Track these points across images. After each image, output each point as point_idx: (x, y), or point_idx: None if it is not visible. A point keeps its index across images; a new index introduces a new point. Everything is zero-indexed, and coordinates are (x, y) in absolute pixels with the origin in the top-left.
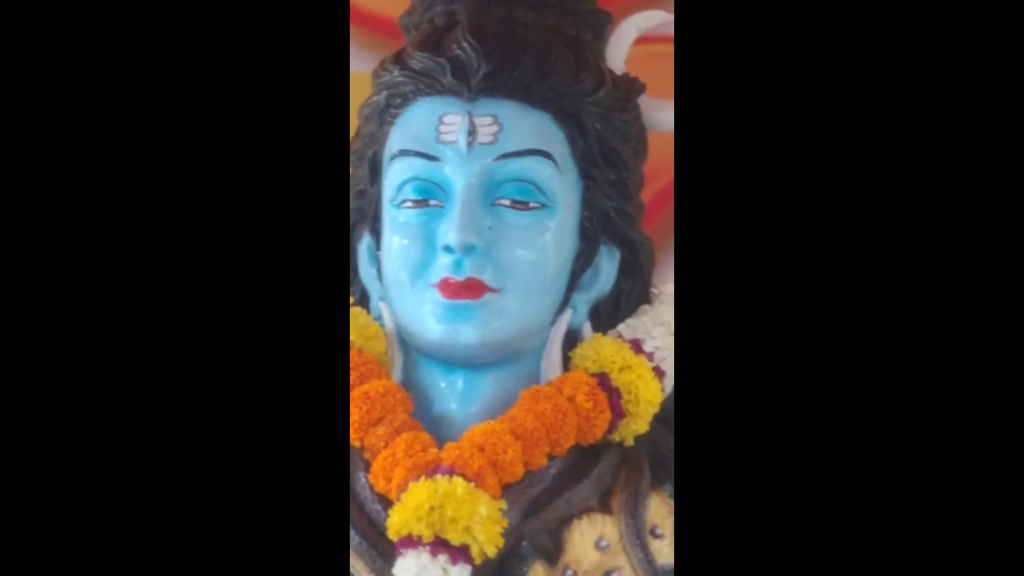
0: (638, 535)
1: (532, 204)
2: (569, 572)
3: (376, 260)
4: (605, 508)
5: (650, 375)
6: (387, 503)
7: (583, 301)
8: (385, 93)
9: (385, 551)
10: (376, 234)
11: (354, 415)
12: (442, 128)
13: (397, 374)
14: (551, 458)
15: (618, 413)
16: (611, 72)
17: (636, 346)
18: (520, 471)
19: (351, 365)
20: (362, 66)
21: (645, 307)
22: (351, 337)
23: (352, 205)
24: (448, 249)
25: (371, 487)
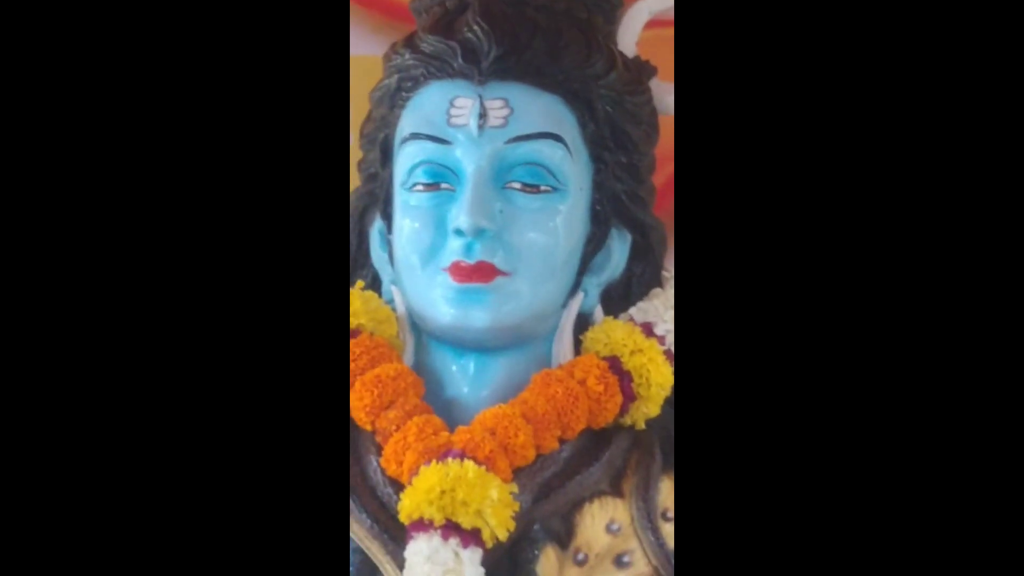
0: (649, 519)
1: (543, 187)
2: (580, 555)
3: (387, 244)
4: (616, 492)
5: (661, 358)
6: (398, 487)
7: (594, 284)
8: (396, 76)
9: (397, 535)
10: (387, 218)
11: (366, 399)
12: (453, 111)
13: (409, 358)
14: (562, 442)
15: (629, 396)
16: (622, 55)
17: (647, 329)
18: (531, 454)
19: (363, 349)
20: (373, 50)
21: (656, 290)
22: (363, 321)
23: (363, 189)
24: (459, 232)
25: (382, 471)
